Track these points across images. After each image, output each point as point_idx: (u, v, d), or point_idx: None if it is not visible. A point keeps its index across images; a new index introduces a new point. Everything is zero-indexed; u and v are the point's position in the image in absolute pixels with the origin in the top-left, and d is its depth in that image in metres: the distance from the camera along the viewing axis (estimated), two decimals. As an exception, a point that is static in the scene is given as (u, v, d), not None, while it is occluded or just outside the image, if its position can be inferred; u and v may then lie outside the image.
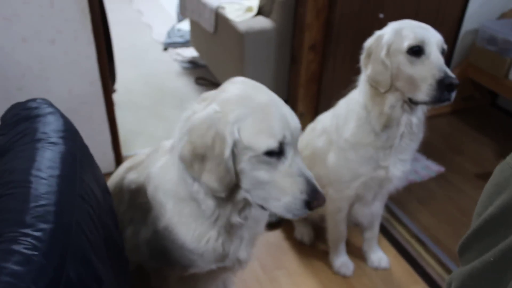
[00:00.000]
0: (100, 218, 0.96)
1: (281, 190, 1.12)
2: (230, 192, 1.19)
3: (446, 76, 1.53)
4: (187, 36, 4.56)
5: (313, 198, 1.11)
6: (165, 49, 4.63)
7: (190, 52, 4.41)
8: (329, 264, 2.26)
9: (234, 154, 1.13)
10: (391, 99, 1.69)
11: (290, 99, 3.29)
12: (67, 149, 0.94)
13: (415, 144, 1.81)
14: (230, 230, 1.35)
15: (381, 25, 2.94)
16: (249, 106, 1.14)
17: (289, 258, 2.30)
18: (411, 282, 2.21)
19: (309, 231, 2.40)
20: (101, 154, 2.69)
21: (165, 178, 1.37)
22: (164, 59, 4.47)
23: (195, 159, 1.15)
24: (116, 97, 3.48)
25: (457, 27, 3.47)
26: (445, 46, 1.64)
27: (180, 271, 1.48)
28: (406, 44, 1.61)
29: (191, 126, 1.15)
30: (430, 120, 3.54)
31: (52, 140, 0.95)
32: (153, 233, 1.43)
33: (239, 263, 1.48)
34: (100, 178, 1.15)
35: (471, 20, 3.43)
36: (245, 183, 1.17)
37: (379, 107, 1.72)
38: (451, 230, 2.56)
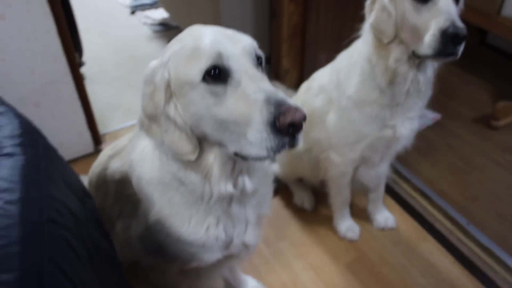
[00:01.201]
0: (80, 236, 0.78)
1: (242, 121, 0.89)
2: (199, 149, 1.02)
3: (451, 25, 1.31)
4: (155, -4, 4.25)
5: (278, 113, 0.85)
6: (133, 12, 4.31)
7: (160, 14, 4.12)
8: (333, 230, 2.14)
9: (177, 99, 0.99)
10: (396, 52, 1.50)
11: (273, 56, 3.07)
12: (28, 159, 0.75)
13: (423, 101, 1.64)
14: (230, 212, 1.19)
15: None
16: (182, 42, 1.00)
17: (291, 227, 2.17)
18: (420, 239, 2.12)
19: (309, 196, 2.26)
20: (77, 136, 2.47)
21: (146, 165, 1.20)
22: (132, 23, 4.16)
23: (150, 122, 1.04)
24: (85, 70, 3.22)
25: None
26: None
27: (181, 266, 1.32)
28: None
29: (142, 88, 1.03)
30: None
31: (7, 150, 0.75)
32: (145, 227, 1.27)
33: (247, 248, 1.32)
34: (75, 183, 0.96)
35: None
36: (206, 130, 0.98)
37: (384, 61, 1.53)
38: (454, 180, 2.47)
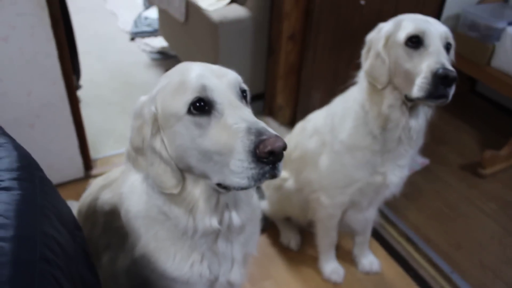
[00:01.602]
0: (69, 274, 0.79)
1: (224, 151, 0.91)
2: (183, 184, 1.04)
3: (441, 67, 1.36)
4: (155, 25, 4.30)
5: (258, 141, 0.87)
6: (132, 39, 4.36)
7: (159, 42, 4.17)
8: (318, 271, 2.13)
9: (164, 132, 1.02)
10: (390, 98, 1.54)
11: (268, 92, 3.12)
12: (24, 195, 0.76)
13: (414, 150, 1.68)
14: (216, 249, 1.18)
15: (362, 12, 2.81)
16: (170, 77, 1.04)
17: (276, 266, 2.17)
18: (404, 285, 2.12)
19: (296, 236, 2.27)
20: (68, 159, 2.47)
21: (134, 198, 1.21)
22: (131, 49, 4.21)
23: (137, 155, 1.06)
24: (81, 93, 3.24)
25: (438, 11, 3.36)
26: (451, 41, 1.50)
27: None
28: (404, 34, 1.47)
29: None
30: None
31: (4, 184, 0.76)
32: (131, 261, 1.26)
33: (231, 287, 1.31)
34: (67, 216, 0.97)
35: (452, 5, 3.32)
36: (191, 162, 0.99)
37: (377, 107, 1.58)
38: (439, 226, 2.49)
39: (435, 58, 1.39)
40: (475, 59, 3.19)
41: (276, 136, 0.88)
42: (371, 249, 2.24)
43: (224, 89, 0.97)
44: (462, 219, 2.57)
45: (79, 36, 3.13)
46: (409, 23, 1.48)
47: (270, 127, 2.65)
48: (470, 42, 3.19)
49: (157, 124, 1.02)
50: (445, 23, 3.44)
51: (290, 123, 3.03)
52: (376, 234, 2.36)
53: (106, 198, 1.36)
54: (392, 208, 2.51)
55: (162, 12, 3.70)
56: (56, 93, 2.23)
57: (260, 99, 3.27)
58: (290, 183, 2.06)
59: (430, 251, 2.29)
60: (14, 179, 0.78)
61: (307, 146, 1.90)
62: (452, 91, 1.41)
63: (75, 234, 0.99)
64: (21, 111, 2.19)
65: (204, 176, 1.00)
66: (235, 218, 1.12)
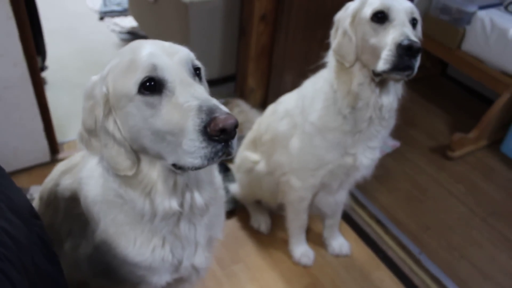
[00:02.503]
0: (20, 264, 0.75)
1: (176, 131, 0.89)
2: (137, 165, 1.02)
3: (405, 38, 1.37)
4: (125, 4, 4.18)
5: (209, 120, 0.85)
6: (101, 18, 4.22)
7: (129, 22, 4.05)
8: (288, 254, 2.14)
9: (116, 113, 0.99)
10: (359, 76, 1.54)
11: (239, 74, 3.08)
12: (-32, 184, 0.71)
13: (385, 131, 1.68)
14: (178, 232, 1.16)
15: (335, -7, 2.77)
16: (121, 56, 1.01)
17: (247, 250, 2.16)
18: (373, 267, 2.15)
19: (266, 219, 2.26)
20: (33, 143, 2.39)
21: (92, 183, 1.19)
22: (100, 29, 4.08)
23: (90, 136, 1.03)
24: (47, 75, 3.15)
25: (409, -5, 3.36)
26: (417, 16, 1.50)
27: (129, 289, 1.28)
28: (370, 10, 1.47)
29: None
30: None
31: None
32: (93, 248, 1.23)
33: (196, 271, 1.30)
34: (21, 205, 0.93)
35: (424, -12, 3.33)
36: (145, 142, 0.97)
37: (346, 85, 1.57)
38: (408, 208, 2.53)
39: (399, 30, 1.40)
40: (446, 43, 3.22)
41: (228, 113, 0.86)
42: (341, 231, 2.25)
43: (175, 67, 0.95)
44: (430, 201, 2.61)
45: (46, 14, 3.01)
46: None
47: (241, 109, 2.62)
48: (441, 25, 3.21)
49: (109, 105, 0.99)
50: (417, 5, 3.45)
51: (262, 105, 3.01)
52: (346, 217, 2.37)
53: (67, 183, 1.32)
54: (362, 190, 2.53)
55: (132, -9, 3.60)
56: (18, 75, 2.14)
57: (231, 81, 3.23)
58: (261, 166, 2.04)
59: (399, 233, 2.32)
60: (-42, 167, 0.74)
61: (278, 129, 1.88)
62: (417, 62, 1.42)
63: (31, 222, 0.95)
64: (-19, 93, 2.10)
65: (159, 157, 0.98)
66: (198, 198, 1.09)
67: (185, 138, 0.87)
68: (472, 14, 3.05)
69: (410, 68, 1.40)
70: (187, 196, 1.08)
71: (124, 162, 1.00)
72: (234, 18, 2.92)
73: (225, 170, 2.44)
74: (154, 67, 0.93)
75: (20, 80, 2.17)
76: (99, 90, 0.99)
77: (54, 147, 2.49)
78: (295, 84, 1.92)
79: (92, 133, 1.02)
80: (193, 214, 1.13)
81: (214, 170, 1.20)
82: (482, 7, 3.06)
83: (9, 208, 0.81)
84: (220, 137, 0.86)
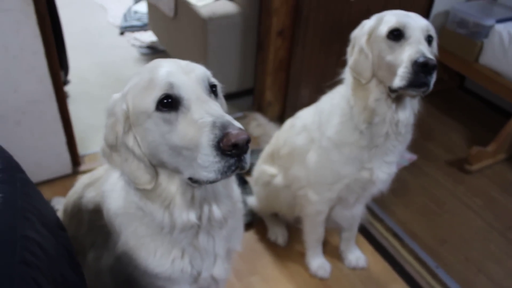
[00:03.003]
0: (50, 275, 0.79)
1: (192, 146, 0.93)
2: (156, 179, 1.07)
3: (421, 56, 1.39)
4: (145, 19, 4.28)
5: (222, 135, 0.89)
6: (122, 33, 4.33)
7: (149, 36, 4.15)
8: (305, 267, 2.16)
9: (135, 129, 1.04)
10: (375, 92, 1.56)
11: (257, 88, 3.12)
12: (5, 198, 0.76)
13: (402, 146, 1.70)
14: (197, 244, 1.19)
15: (352, 9, 2.81)
16: (140, 75, 1.06)
17: (263, 262, 2.18)
18: (390, 280, 2.15)
19: (283, 232, 2.29)
20: (56, 156, 2.46)
21: (114, 196, 1.23)
22: (120, 44, 4.18)
23: (111, 151, 1.08)
24: (69, 88, 3.23)
25: (427, 8, 3.38)
26: (432, 34, 1.53)
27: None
28: (386, 27, 1.50)
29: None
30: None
31: (-15, 187, 0.76)
32: (114, 259, 1.27)
33: (215, 282, 1.33)
34: (50, 217, 0.97)
35: (442, 2, 3.34)
36: (163, 157, 1.02)
37: (362, 101, 1.60)
38: (425, 222, 2.52)
39: (415, 48, 1.43)
40: (463, 56, 3.22)
41: (240, 129, 0.90)
42: (358, 244, 2.26)
43: (191, 84, 0.99)
44: (448, 214, 2.60)
45: (68, 30, 3.11)
46: (390, 17, 1.51)
47: (259, 122, 2.65)
48: (458, 39, 3.22)
49: (129, 122, 1.04)
50: (434, 20, 3.49)
51: (279, 119, 3.04)
52: (363, 230, 2.38)
53: (90, 196, 1.37)
54: (379, 204, 2.54)
55: (152, 7, 3.69)
56: (43, 90, 2.22)
57: (250, 95, 3.28)
58: (278, 179, 2.07)
59: (416, 247, 2.32)
60: (-6, 181, 0.79)
61: (296, 143, 1.91)
62: (432, 79, 1.44)
63: (58, 234, 1.00)
64: (7, 108, 2.18)
65: (177, 171, 1.02)
66: (216, 211, 1.13)
67: (200, 153, 0.91)
68: (490, 27, 3.05)
69: (426, 84, 1.42)
70: (205, 209, 1.11)
71: (143, 176, 1.04)
72: (252, 33, 2.98)
73: (243, 183, 2.48)
74: (171, 85, 0.97)
75: (44, 95, 2.25)
76: (119, 107, 1.05)
77: (75, 159, 2.56)
78: (312, 98, 1.95)
79: (113, 148, 1.07)
80: (212, 227, 1.16)
81: (232, 184, 1.23)
82: (499, 21, 3.06)
83: (39, 220, 0.86)
84: (233, 152, 0.90)
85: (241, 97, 3.34)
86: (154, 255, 1.18)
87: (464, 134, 3.30)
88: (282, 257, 2.21)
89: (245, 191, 2.43)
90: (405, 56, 1.43)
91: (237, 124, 0.92)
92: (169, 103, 0.97)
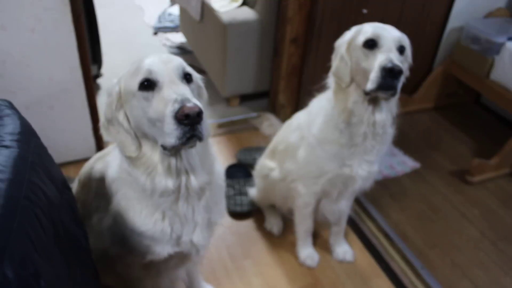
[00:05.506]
0: (50, 216, 1.02)
1: (161, 117, 1.15)
2: (141, 149, 1.30)
3: (389, 62, 1.58)
4: (177, 21, 4.57)
5: (179, 108, 1.12)
6: (155, 33, 4.64)
7: (179, 37, 4.43)
8: (295, 255, 2.34)
9: (125, 107, 1.29)
10: (354, 95, 1.75)
11: (272, 91, 3.33)
12: (20, 152, 1.00)
13: (381, 146, 1.86)
14: (177, 210, 1.39)
15: (365, 20, 2.97)
16: (132, 65, 1.29)
17: (257, 248, 2.38)
18: (374, 275, 2.30)
19: (278, 222, 2.48)
20: (82, 139, 2.75)
21: (113, 164, 1.48)
22: (153, 43, 4.48)
23: (108, 125, 1.32)
24: (101, 82, 3.52)
25: (442, 23, 3.50)
26: (405, 44, 1.70)
27: (139, 257, 1.53)
28: (363, 37, 1.68)
29: None
30: (413, 116, 3.63)
31: (6, 143, 1.01)
32: (112, 219, 1.51)
33: (195, 248, 1.53)
34: (57, 176, 1.21)
35: (457, 18, 3.45)
36: (144, 129, 1.25)
37: (342, 103, 1.79)
38: (419, 226, 2.63)
39: (385, 55, 1.61)
40: (475, 72, 3.32)
41: (194, 103, 1.13)
42: (348, 240, 2.43)
43: (167, 71, 1.23)
44: (442, 221, 2.70)
45: (107, 28, 3.40)
46: (368, 28, 1.70)
47: (271, 122, 2.87)
48: (472, 54, 3.32)
49: (121, 101, 1.30)
50: (449, 34, 3.60)
51: (290, 121, 3.23)
52: (355, 227, 2.54)
53: (99, 167, 1.61)
54: (376, 205, 2.69)
55: (183, 10, 3.97)
56: (73, 79, 2.50)
57: (266, 97, 3.49)
58: (275, 173, 2.27)
59: (404, 247, 2.44)
60: (14, 140, 1.03)
61: (290, 140, 2.11)
62: (399, 83, 1.62)
63: (63, 191, 1.23)
64: (43, 94, 2.48)
65: (155, 140, 1.26)
66: (193, 181, 1.34)
67: (165, 122, 1.15)
68: (501, 44, 3.14)
69: (393, 87, 1.61)
70: (183, 178, 1.33)
71: (130, 146, 1.29)
72: (269, 39, 3.19)
73: (248, 175, 2.69)
74: (150, 72, 1.22)
75: (75, 85, 2.53)
76: (115, 89, 1.30)
77: (100, 144, 2.84)
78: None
79: (110, 123, 1.32)
80: (190, 196, 1.38)
81: (214, 161, 1.45)
82: (511, 38, 3.15)
83: (46, 175, 1.09)
84: (186, 121, 1.13)
85: (258, 98, 3.56)
86: (140, 215, 1.41)
87: (472, 148, 3.38)
88: (275, 245, 2.40)
89: (249, 183, 2.64)
90: (376, 63, 1.61)
91: (195, 101, 1.15)
92: (149, 85, 1.21)
